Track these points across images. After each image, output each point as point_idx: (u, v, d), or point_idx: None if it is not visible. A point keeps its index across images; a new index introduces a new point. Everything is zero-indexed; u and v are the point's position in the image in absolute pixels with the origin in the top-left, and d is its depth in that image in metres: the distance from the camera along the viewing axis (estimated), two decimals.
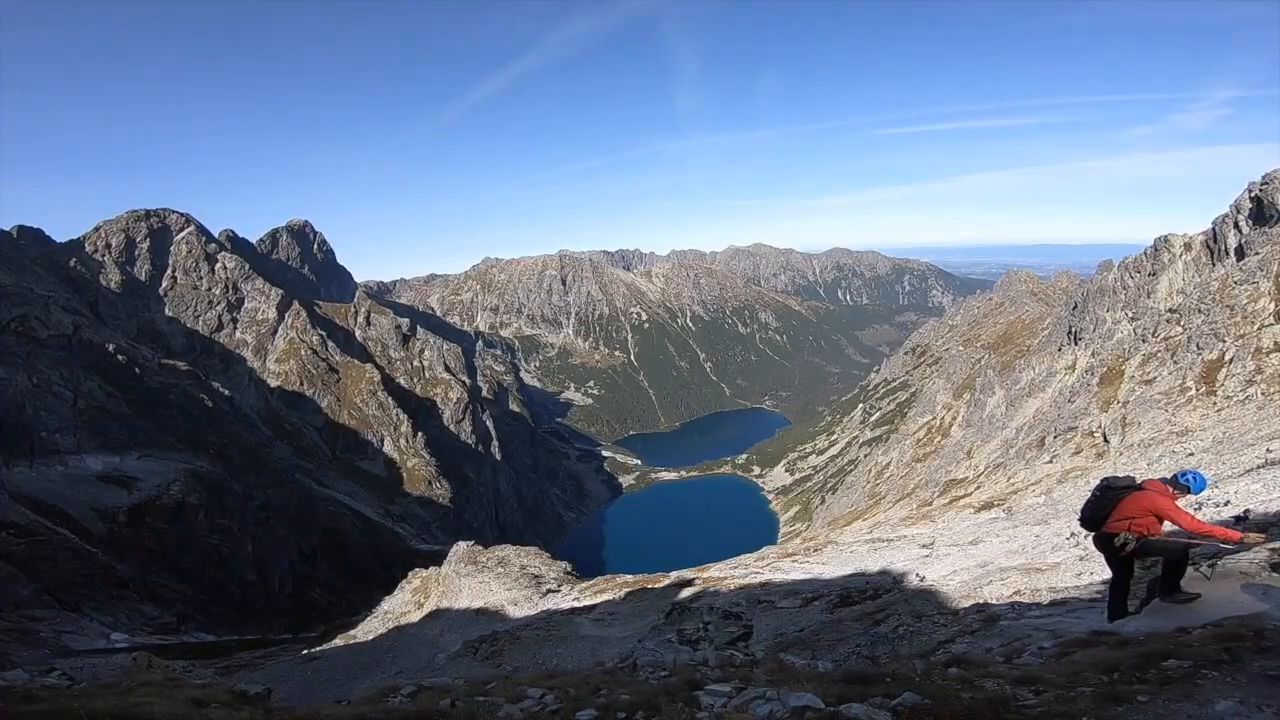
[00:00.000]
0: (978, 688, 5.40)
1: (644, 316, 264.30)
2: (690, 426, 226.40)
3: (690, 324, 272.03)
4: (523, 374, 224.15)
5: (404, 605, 34.84)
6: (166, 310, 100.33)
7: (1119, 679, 5.15)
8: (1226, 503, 13.51)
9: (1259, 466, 16.78)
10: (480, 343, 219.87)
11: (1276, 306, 35.47)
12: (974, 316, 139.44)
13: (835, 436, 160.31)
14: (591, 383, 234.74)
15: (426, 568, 37.89)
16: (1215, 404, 32.15)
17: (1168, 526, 6.88)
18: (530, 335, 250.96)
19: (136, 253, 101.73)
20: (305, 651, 29.83)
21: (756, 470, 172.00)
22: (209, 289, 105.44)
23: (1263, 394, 29.16)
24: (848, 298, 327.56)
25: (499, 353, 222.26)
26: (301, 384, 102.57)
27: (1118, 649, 5.85)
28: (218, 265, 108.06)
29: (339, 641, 31.89)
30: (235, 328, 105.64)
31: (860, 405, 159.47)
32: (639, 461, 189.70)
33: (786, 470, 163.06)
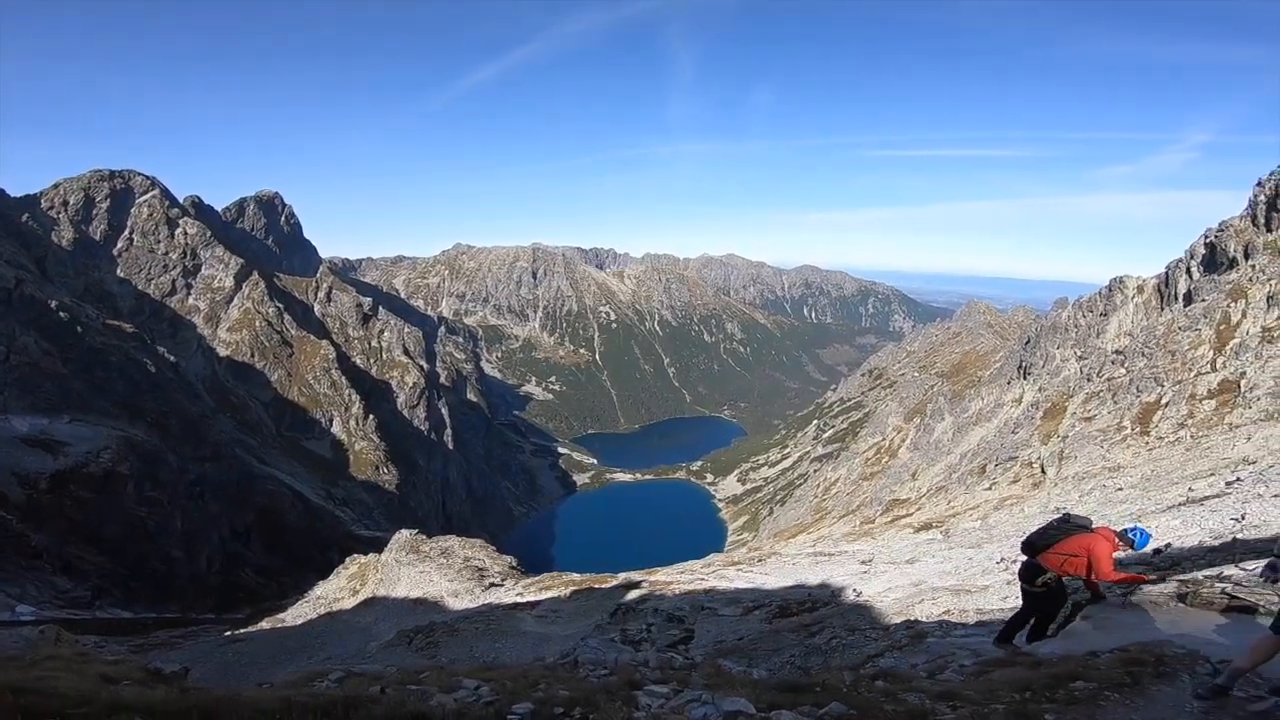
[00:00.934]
0: (900, 701, 5.57)
1: (612, 316, 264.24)
2: (649, 429, 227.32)
3: (658, 328, 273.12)
4: (483, 364, 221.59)
5: (338, 591, 34.05)
6: (119, 271, 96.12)
7: (1030, 698, 5.38)
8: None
9: (1180, 504, 17.68)
10: (443, 329, 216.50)
11: (1214, 355, 37.22)
12: (932, 344, 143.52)
13: (788, 450, 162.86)
14: (553, 378, 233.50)
15: (366, 554, 37.11)
16: (1147, 443, 33.67)
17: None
18: (495, 325, 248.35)
19: (94, 212, 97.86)
20: (228, 633, 28.91)
21: (710, 478, 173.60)
22: (166, 253, 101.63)
23: (1191, 437, 30.64)
24: (813, 315, 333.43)
25: (461, 340, 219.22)
26: (252, 355, 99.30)
27: (1032, 669, 6.11)
28: (178, 230, 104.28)
29: (266, 624, 30.99)
30: (189, 293, 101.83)
31: (815, 421, 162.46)
32: (595, 461, 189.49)
33: (739, 480, 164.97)
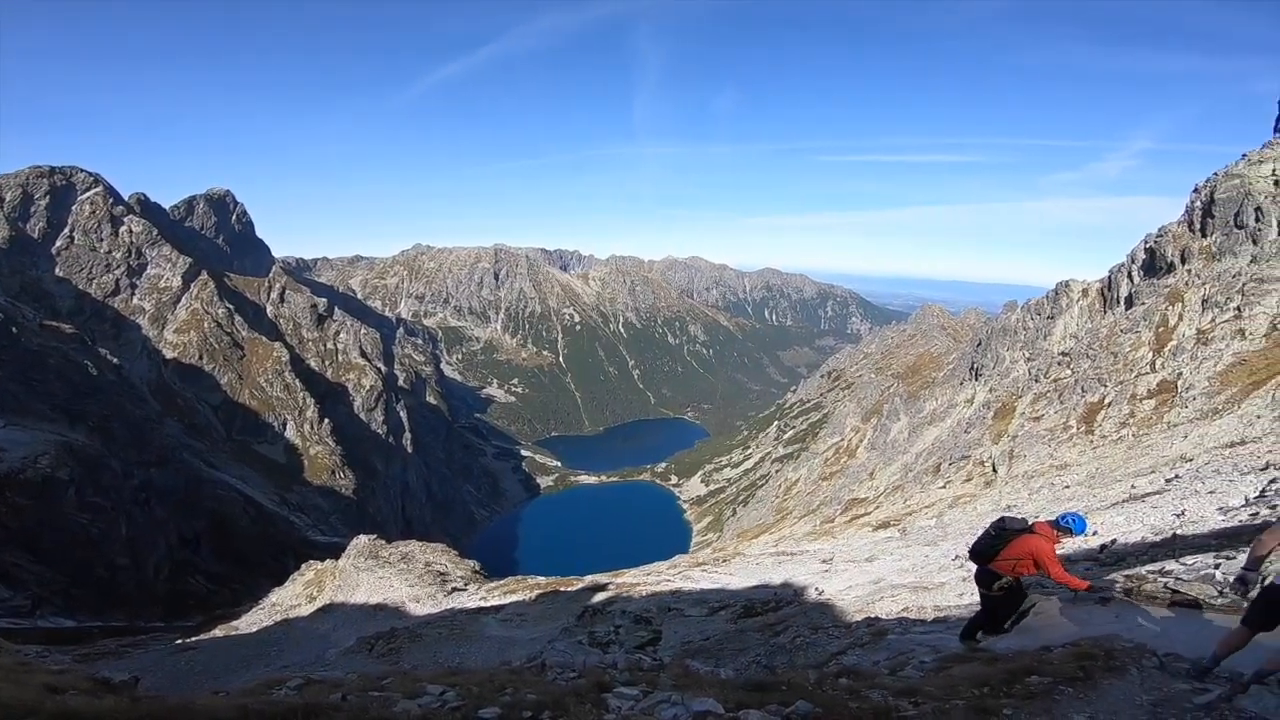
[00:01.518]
0: (864, 698, 5.68)
1: (576, 318, 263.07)
2: (613, 432, 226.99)
3: (622, 330, 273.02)
4: (443, 366, 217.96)
5: (294, 598, 33.08)
6: (58, 270, 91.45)
7: (989, 693, 5.55)
8: (1094, 533, 14.77)
9: (1124, 501, 18.44)
10: (401, 330, 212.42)
11: (1153, 356, 38.99)
12: (888, 346, 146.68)
13: (750, 451, 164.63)
14: (515, 380, 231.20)
15: (322, 560, 36.15)
16: (1092, 442, 35.08)
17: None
18: (455, 327, 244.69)
19: (33, 209, 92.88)
20: (179, 641, 27.82)
21: (674, 479, 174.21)
22: (109, 251, 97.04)
23: (1133, 435, 32.02)
24: (774, 318, 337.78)
25: (420, 342, 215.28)
26: (201, 357, 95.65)
27: (989, 665, 6.30)
28: (122, 228, 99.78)
29: (219, 632, 29.93)
30: (134, 294, 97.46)
31: (776, 423, 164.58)
32: (559, 463, 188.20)
33: (702, 481, 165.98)
